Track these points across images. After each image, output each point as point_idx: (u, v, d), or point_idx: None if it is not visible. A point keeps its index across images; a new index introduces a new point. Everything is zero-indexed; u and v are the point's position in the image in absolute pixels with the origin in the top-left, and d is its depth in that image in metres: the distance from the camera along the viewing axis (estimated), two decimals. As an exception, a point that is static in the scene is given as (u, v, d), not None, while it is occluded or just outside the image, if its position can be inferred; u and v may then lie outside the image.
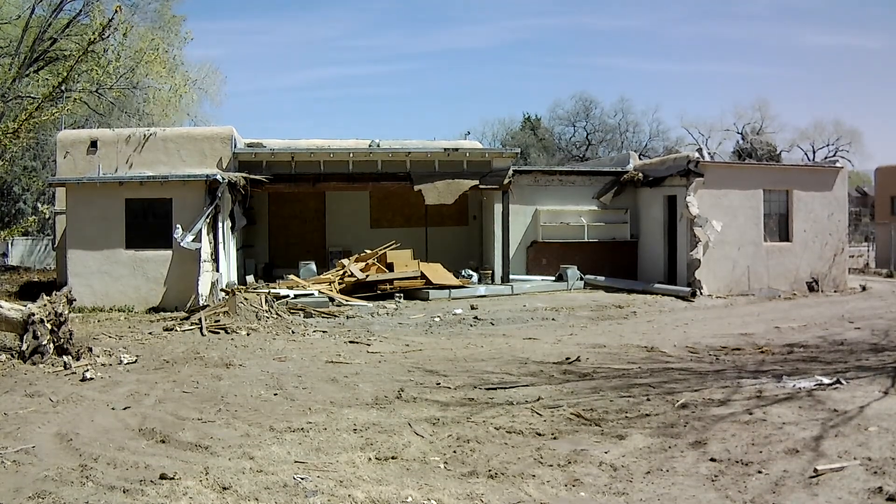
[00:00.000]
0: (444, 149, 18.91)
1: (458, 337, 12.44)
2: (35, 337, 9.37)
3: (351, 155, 18.03)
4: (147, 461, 5.63)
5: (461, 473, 5.48)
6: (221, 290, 14.74)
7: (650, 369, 9.34)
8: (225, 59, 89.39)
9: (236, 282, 16.85)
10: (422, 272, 17.07)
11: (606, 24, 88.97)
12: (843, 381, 8.25)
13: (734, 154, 52.43)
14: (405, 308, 15.43)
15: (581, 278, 18.75)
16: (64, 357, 9.34)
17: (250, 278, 17.95)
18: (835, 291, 19.15)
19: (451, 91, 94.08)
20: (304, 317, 14.00)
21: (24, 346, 9.39)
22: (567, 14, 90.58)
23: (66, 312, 9.85)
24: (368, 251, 17.64)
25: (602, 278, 18.94)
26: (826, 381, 8.30)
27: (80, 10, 22.88)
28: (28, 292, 17.35)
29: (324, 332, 12.74)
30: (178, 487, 5.07)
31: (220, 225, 15.86)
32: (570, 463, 5.68)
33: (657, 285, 18.24)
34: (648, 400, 7.63)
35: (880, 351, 10.68)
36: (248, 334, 12.23)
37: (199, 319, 12.81)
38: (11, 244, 26.66)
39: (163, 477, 5.22)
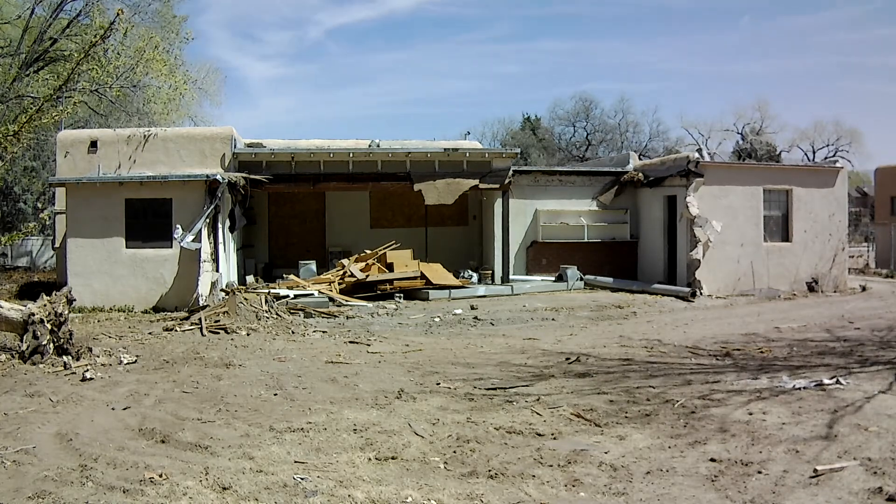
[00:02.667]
0: (444, 149, 18.92)
1: (458, 337, 12.44)
2: (35, 337, 9.37)
3: (351, 155, 18.03)
4: (147, 461, 5.63)
5: (461, 473, 5.48)
6: (221, 290, 14.73)
7: (650, 369, 9.34)
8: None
9: (236, 282, 16.85)
10: (422, 272, 17.07)
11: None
12: (843, 382, 8.26)
13: (734, 154, 52.46)
14: (405, 308, 15.43)
15: (581, 278, 18.75)
16: (64, 357, 9.35)
17: (250, 278, 17.95)
18: (835, 292, 19.15)
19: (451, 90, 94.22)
20: (304, 317, 14.01)
21: (24, 346, 9.39)
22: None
23: (66, 312, 9.85)
24: (368, 251, 17.65)
25: (602, 278, 18.94)
26: (826, 381, 8.30)
27: (81, 11, 22.87)
28: (28, 292, 17.35)
29: (324, 332, 12.74)
30: (177, 487, 5.07)
31: (219, 225, 15.87)
32: (569, 463, 5.68)
33: (657, 285, 18.24)
34: (648, 400, 7.63)
35: (880, 351, 10.68)
36: (248, 334, 12.24)
37: (199, 319, 12.81)
38: (11, 246, 26.65)
39: (151, 480, 5.22)
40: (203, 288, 14.74)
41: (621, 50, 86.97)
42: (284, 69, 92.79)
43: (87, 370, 8.85)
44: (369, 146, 19.32)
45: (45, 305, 9.66)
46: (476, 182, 18.53)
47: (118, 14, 13.23)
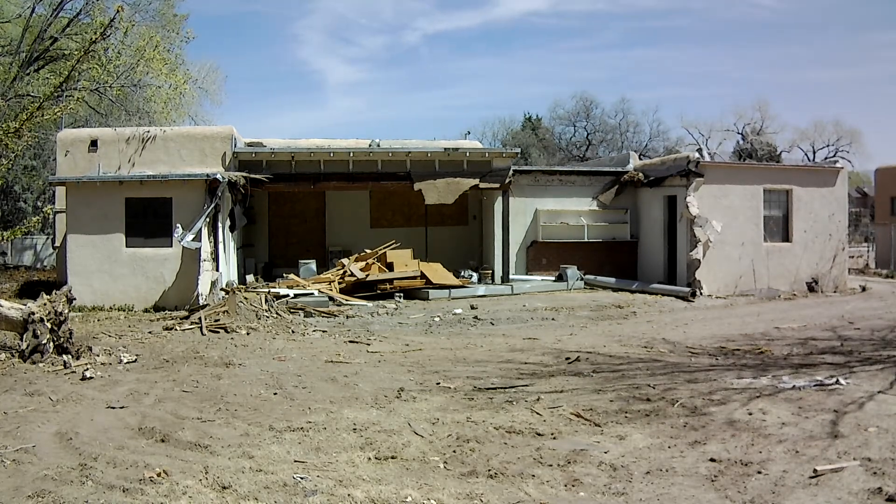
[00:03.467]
0: (445, 148, 18.92)
1: (457, 337, 12.44)
2: (35, 336, 9.37)
3: (351, 155, 18.03)
4: (147, 460, 5.63)
5: (461, 473, 5.48)
6: (221, 289, 14.73)
7: (650, 369, 9.34)
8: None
9: (236, 281, 16.85)
10: (422, 272, 17.07)
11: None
12: (843, 382, 8.26)
13: (734, 154, 52.44)
14: (405, 308, 15.43)
15: (581, 278, 18.75)
16: (64, 356, 9.34)
17: (250, 278, 17.95)
18: (835, 292, 19.15)
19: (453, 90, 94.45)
20: (303, 316, 14.00)
21: (24, 346, 9.39)
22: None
23: (66, 311, 9.85)
24: (368, 251, 17.65)
25: (602, 278, 18.94)
26: (826, 381, 8.30)
27: (81, 10, 22.87)
28: (28, 291, 17.35)
29: (323, 331, 12.74)
30: (177, 486, 5.07)
31: (220, 224, 15.86)
32: (569, 463, 5.68)
33: (657, 285, 18.25)
34: (648, 400, 7.63)
35: (880, 351, 10.68)
36: (247, 334, 12.23)
37: (199, 319, 12.80)
38: (11, 245, 26.65)
39: (151, 479, 5.22)
40: (203, 287, 14.74)
41: (703, 59, 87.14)
42: (367, 73, 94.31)
43: (87, 369, 8.85)
44: (369, 146, 19.32)
45: (45, 304, 9.66)
46: (476, 182, 18.53)
47: (118, 11, 13.25)
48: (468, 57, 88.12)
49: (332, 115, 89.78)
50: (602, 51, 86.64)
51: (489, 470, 5.50)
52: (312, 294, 15.50)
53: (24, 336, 9.44)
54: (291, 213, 20.57)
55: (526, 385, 8.41)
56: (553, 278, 18.91)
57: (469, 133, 31.08)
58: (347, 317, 14.23)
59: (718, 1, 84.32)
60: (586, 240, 19.72)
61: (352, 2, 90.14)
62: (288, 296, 14.95)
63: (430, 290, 16.71)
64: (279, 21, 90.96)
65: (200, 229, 15.26)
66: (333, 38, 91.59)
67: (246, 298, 13.95)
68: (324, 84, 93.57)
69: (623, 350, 10.94)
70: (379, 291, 16.34)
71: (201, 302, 14.19)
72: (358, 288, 16.31)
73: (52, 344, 9.47)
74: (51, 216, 18.82)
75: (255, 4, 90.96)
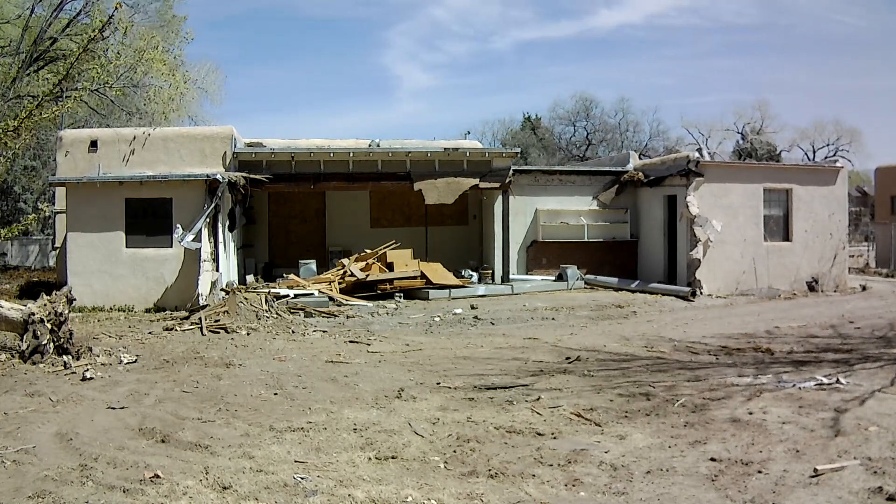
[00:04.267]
0: (444, 148, 18.92)
1: (458, 337, 12.44)
2: (35, 336, 9.37)
3: (351, 155, 18.03)
4: (147, 461, 5.63)
5: (461, 473, 5.48)
6: (221, 289, 14.73)
7: (651, 369, 9.34)
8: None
9: (236, 281, 16.85)
10: (422, 272, 17.07)
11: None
12: (844, 381, 8.26)
13: (734, 154, 52.44)
14: (405, 308, 15.43)
15: (581, 278, 18.75)
16: (64, 357, 9.34)
17: (250, 278, 17.95)
18: (835, 291, 19.15)
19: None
20: (304, 316, 14.00)
21: (25, 346, 9.39)
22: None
23: (66, 312, 9.85)
24: (368, 251, 17.65)
25: (602, 278, 18.94)
26: (826, 380, 8.30)
27: (80, 10, 22.88)
28: (29, 292, 17.35)
29: (324, 331, 12.74)
30: (177, 487, 5.07)
31: (220, 224, 15.87)
32: (570, 463, 5.68)
33: (657, 285, 18.24)
34: (648, 400, 7.63)
35: (880, 350, 10.68)
36: (248, 334, 12.23)
37: (199, 319, 12.80)
38: (11, 245, 26.66)
39: (151, 479, 5.22)
40: (203, 287, 14.74)
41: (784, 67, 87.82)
42: (443, 79, 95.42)
43: (87, 370, 8.85)
44: (369, 146, 19.32)
45: (45, 305, 9.66)
46: (476, 181, 18.53)
47: (116, 7, 13.23)
48: (553, 64, 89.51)
49: (394, 118, 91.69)
50: (683, 59, 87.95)
51: (489, 470, 5.50)
52: (312, 294, 15.50)
53: (25, 337, 9.43)
54: (291, 214, 20.57)
55: (526, 385, 8.41)
56: (553, 278, 18.91)
57: (469, 133, 31.11)
58: (347, 317, 14.23)
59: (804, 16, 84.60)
60: (586, 239, 19.72)
61: (450, 9, 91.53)
62: (288, 296, 14.95)
63: (430, 290, 16.70)
64: (374, 27, 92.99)
65: (200, 229, 15.26)
66: (420, 45, 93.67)
67: (246, 299, 13.95)
68: (396, 88, 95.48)
69: (623, 349, 10.94)
70: (379, 291, 16.34)
71: (201, 302, 14.18)
72: (358, 288, 16.31)
73: (52, 344, 9.47)
74: (48, 214, 18.82)
75: (359, 10, 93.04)
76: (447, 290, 16.93)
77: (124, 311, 15.16)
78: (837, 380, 8.30)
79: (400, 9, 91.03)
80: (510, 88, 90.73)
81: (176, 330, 12.49)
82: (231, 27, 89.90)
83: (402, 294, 16.52)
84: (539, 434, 6.45)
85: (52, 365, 9.19)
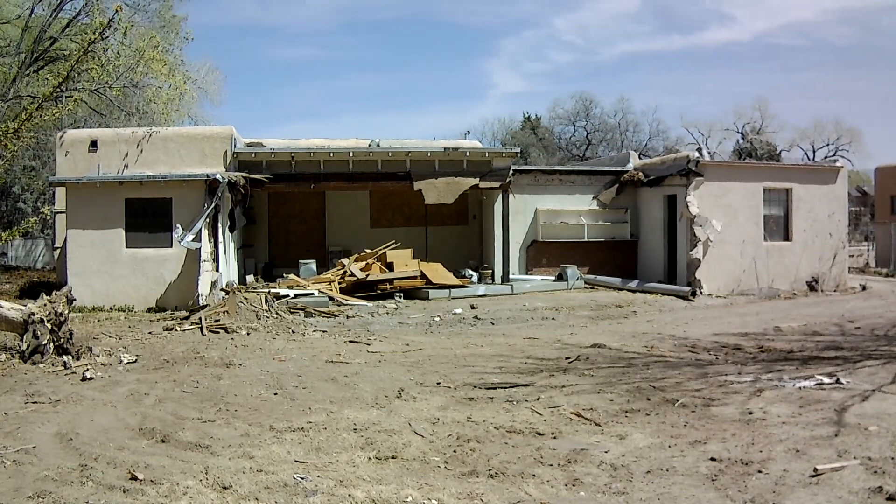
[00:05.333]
0: (444, 148, 18.92)
1: (458, 336, 12.44)
2: (35, 337, 9.37)
3: (351, 155, 18.03)
4: (147, 461, 5.63)
5: (461, 473, 5.48)
6: (221, 289, 14.73)
7: (650, 369, 9.34)
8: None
9: (236, 281, 16.85)
10: (422, 272, 17.07)
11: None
12: (843, 381, 8.26)
13: (734, 153, 52.43)
14: (405, 308, 15.43)
15: (581, 278, 18.75)
16: (64, 357, 9.34)
17: (250, 278, 17.95)
18: (835, 291, 19.15)
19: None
20: (304, 316, 14.00)
21: (25, 346, 9.39)
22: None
23: (66, 312, 9.85)
24: (368, 251, 17.64)
25: (602, 278, 18.94)
26: (826, 380, 8.30)
27: (80, 10, 22.86)
28: (29, 292, 17.35)
29: (324, 331, 12.74)
30: (178, 487, 5.07)
31: (219, 224, 15.86)
32: (570, 462, 5.68)
33: (657, 285, 18.24)
34: (648, 399, 7.63)
35: (881, 350, 10.68)
36: (248, 334, 12.24)
37: (199, 319, 12.80)
38: (11, 245, 26.66)
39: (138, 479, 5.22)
40: (203, 287, 14.74)
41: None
42: (539, 86, 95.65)
43: (87, 370, 8.85)
44: (369, 146, 19.31)
45: (45, 305, 9.66)
46: (476, 181, 18.53)
47: (117, 10, 13.22)
48: (655, 75, 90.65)
49: (469, 120, 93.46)
50: (778, 72, 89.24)
51: (490, 470, 5.50)
52: (312, 294, 15.50)
53: (25, 337, 9.43)
54: (291, 214, 20.56)
55: (526, 384, 8.41)
56: (553, 278, 18.91)
57: (469, 133, 31.09)
58: (347, 317, 14.23)
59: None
60: (586, 239, 19.72)
61: (571, 21, 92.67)
62: (288, 296, 14.94)
63: (430, 290, 16.70)
64: (492, 34, 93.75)
65: (200, 230, 15.25)
66: (529, 54, 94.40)
67: (246, 299, 13.94)
68: (486, 94, 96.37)
69: (623, 349, 10.94)
70: (379, 291, 16.33)
71: (201, 302, 14.19)
72: (358, 288, 16.31)
73: (52, 345, 9.47)
74: (49, 217, 18.81)
75: (486, 18, 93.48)
76: (447, 290, 16.93)
77: (124, 311, 15.16)
78: (838, 379, 8.30)
79: (522, 20, 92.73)
80: (604, 95, 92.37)
81: (176, 330, 12.49)
82: (371, 30, 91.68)
83: (402, 294, 16.51)
84: (539, 434, 6.45)
85: (52, 365, 9.19)
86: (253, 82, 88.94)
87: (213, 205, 15.58)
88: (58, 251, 18.22)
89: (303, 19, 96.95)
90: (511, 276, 18.86)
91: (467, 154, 18.67)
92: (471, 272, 18.80)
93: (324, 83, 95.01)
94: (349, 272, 16.64)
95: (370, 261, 17.21)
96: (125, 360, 9.69)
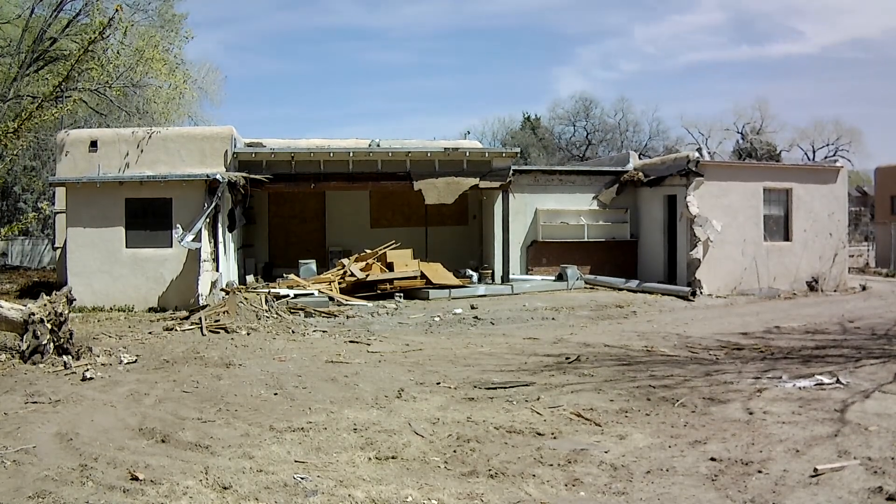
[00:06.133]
0: (444, 148, 18.91)
1: (458, 336, 12.44)
2: (35, 337, 9.37)
3: (351, 155, 18.02)
4: (147, 461, 5.63)
5: (461, 473, 5.48)
6: (221, 289, 14.73)
7: (650, 369, 9.34)
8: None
9: (236, 281, 16.85)
10: (422, 272, 17.07)
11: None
12: (843, 381, 8.26)
13: (734, 153, 52.43)
14: (405, 308, 15.42)
15: (581, 278, 18.75)
16: (64, 357, 9.34)
17: (250, 278, 17.95)
18: (835, 291, 19.15)
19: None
20: (304, 316, 14.00)
21: (25, 346, 9.39)
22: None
23: (67, 312, 9.85)
24: (368, 251, 17.64)
25: (602, 278, 18.94)
26: (826, 380, 8.30)
27: (80, 10, 22.86)
28: (29, 292, 17.35)
29: (324, 331, 12.74)
30: (178, 487, 5.08)
31: (219, 224, 15.86)
32: (570, 462, 5.68)
33: (657, 285, 18.23)
34: (648, 399, 7.63)
35: (881, 350, 10.68)
36: (248, 334, 12.24)
37: (199, 319, 12.80)
38: (11, 245, 26.66)
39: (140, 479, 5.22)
40: (203, 287, 14.74)
41: None
42: (596, 92, 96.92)
43: (88, 370, 8.85)
44: (369, 146, 19.31)
45: (45, 305, 9.66)
46: (476, 181, 18.52)
47: (117, 10, 13.23)
48: (716, 83, 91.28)
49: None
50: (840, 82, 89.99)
51: (490, 470, 5.50)
52: (312, 294, 15.50)
53: (25, 337, 9.43)
54: (291, 214, 20.56)
55: (526, 384, 8.42)
56: (553, 278, 18.91)
57: (469, 133, 31.09)
58: (347, 317, 14.23)
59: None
60: (586, 239, 19.72)
61: (650, 31, 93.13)
62: (288, 296, 14.94)
63: (430, 290, 16.70)
64: (572, 42, 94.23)
65: (200, 230, 15.25)
66: (600, 62, 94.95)
67: (246, 299, 13.95)
68: (541, 100, 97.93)
69: (623, 349, 10.95)
70: (379, 291, 16.33)
71: (201, 302, 14.19)
72: (358, 288, 16.31)
73: (52, 345, 9.47)
74: (48, 213, 18.80)
75: (572, 25, 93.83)
76: (447, 290, 16.93)
77: (124, 311, 15.16)
78: (838, 379, 8.30)
79: (603, 30, 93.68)
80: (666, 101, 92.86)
81: (176, 330, 12.49)
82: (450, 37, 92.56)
83: (402, 294, 16.51)
84: (539, 434, 6.45)
85: (52, 365, 9.19)
86: (339, 83, 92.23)
87: (213, 205, 15.58)
88: (58, 251, 18.21)
89: (396, 25, 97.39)
90: (511, 276, 18.86)
91: (467, 154, 18.67)
92: (471, 272, 18.79)
93: (394, 84, 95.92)
94: (349, 272, 16.64)
95: (370, 261, 17.20)
96: (125, 360, 9.69)
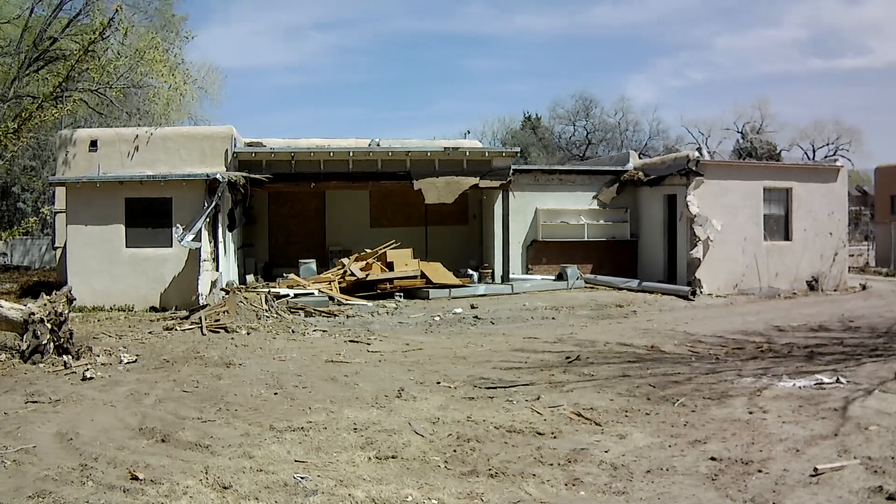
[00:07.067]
0: (444, 148, 18.91)
1: (458, 336, 12.44)
2: (35, 336, 9.37)
3: (351, 154, 18.02)
4: (147, 461, 5.63)
5: (461, 472, 5.48)
6: (221, 289, 14.73)
7: (650, 368, 9.34)
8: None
9: (236, 281, 16.85)
10: (422, 271, 17.07)
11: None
12: (843, 380, 8.26)
13: (734, 153, 52.39)
14: (405, 307, 15.43)
15: (581, 277, 18.75)
16: (64, 356, 9.35)
17: (250, 277, 17.95)
18: (835, 290, 19.14)
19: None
20: (304, 316, 14.00)
21: (25, 346, 9.39)
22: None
23: (67, 312, 9.85)
24: (368, 250, 17.64)
25: (602, 277, 18.93)
26: (826, 379, 8.30)
27: (80, 10, 22.82)
28: (29, 292, 17.35)
29: (324, 331, 12.74)
30: (178, 487, 5.08)
31: (219, 224, 15.86)
32: (570, 462, 5.68)
33: (657, 284, 18.23)
34: (648, 399, 7.63)
35: (881, 350, 10.68)
36: (248, 334, 12.23)
37: (199, 319, 12.81)
38: (12, 245, 26.66)
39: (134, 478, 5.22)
40: (203, 287, 14.75)
41: None
42: (658, 99, 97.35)
43: (88, 369, 8.85)
44: (369, 145, 19.30)
45: (45, 305, 9.66)
46: (476, 181, 18.52)
47: (117, 10, 13.21)
48: (783, 93, 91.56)
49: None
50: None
51: (490, 469, 5.50)
52: (312, 294, 15.50)
53: (25, 336, 9.44)
54: (291, 213, 20.55)
55: (526, 384, 8.42)
56: (553, 277, 18.91)
57: (469, 132, 31.00)
58: (348, 316, 14.23)
59: None
60: (586, 239, 19.71)
61: (730, 44, 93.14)
62: (288, 296, 14.94)
63: (430, 290, 16.70)
64: (647, 52, 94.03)
65: (200, 229, 15.25)
66: (673, 71, 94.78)
67: (246, 298, 13.94)
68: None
69: (623, 349, 10.95)
70: (379, 291, 16.33)
71: (201, 302, 14.19)
72: (358, 288, 16.30)
73: (52, 344, 9.47)
74: (49, 217, 18.81)
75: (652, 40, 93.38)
76: (447, 290, 16.93)
77: (124, 310, 15.16)
78: (838, 379, 8.30)
79: (683, 43, 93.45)
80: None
81: (176, 330, 12.49)
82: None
83: (402, 294, 16.51)
84: (539, 433, 6.45)
85: (52, 365, 9.20)
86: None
87: (213, 204, 15.58)
88: (58, 251, 18.22)
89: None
90: (511, 276, 18.85)
91: (467, 154, 18.66)
92: (471, 272, 18.80)
93: (479, 87, 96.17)
94: (349, 272, 16.64)
95: (370, 260, 17.20)
96: (125, 360, 9.69)
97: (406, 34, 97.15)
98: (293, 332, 12.58)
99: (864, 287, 19.72)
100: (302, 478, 5.27)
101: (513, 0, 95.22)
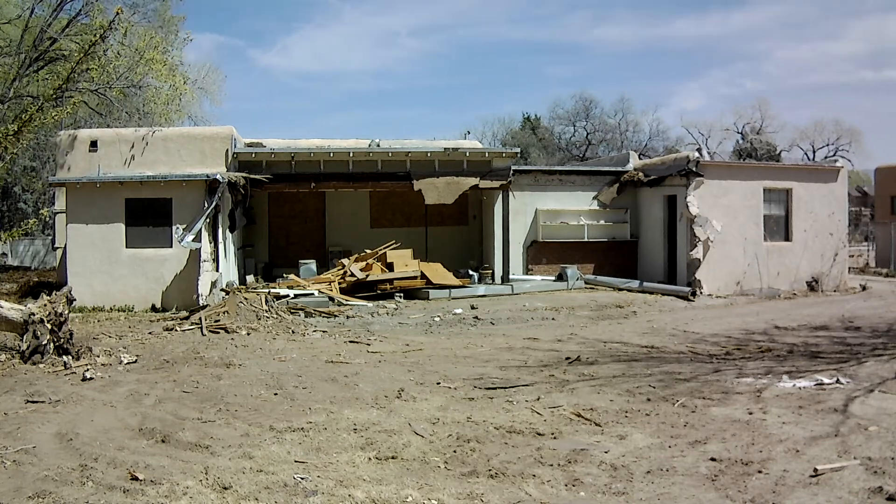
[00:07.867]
0: (444, 148, 18.91)
1: (458, 337, 12.44)
2: (35, 337, 9.37)
3: (351, 155, 18.02)
4: (147, 461, 5.63)
5: (461, 473, 5.48)
6: (221, 289, 14.73)
7: (650, 369, 9.34)
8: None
9: (236, 281, 16.85)
10: (422, 272, 17.07)
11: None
12: (843, 381, 8.26)
13: (734, 153, 52.42)
14: (405, 308, 15.43)
15: (581, 278, 18.75)
16: (64, 357, 9.35)
17: (250, 278, 17.95)
18: (835, 291, 19.14)
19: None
20: (304, 316, 14.00)
21: (25, 346, 9.39)
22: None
23: (67, 312, 9.85)
24: (368, 251, 17.64)
25: (602, 278, 18.94)
26: (826, 380, 8.30)
27: (80, 10, 22.84)
28: (30, 292, 17.34)
29: (324, 331, 12.74)
30: (178, 487, 5.07)
31: (219, 224, 15.86)
32: (570, 462, 5.68)
33: (657, 285, 18.23)
34: (648, 400, 7.63)
35: (880, 350, 10.68)
36: (248, 334, 12.23)
37: (199, 319, 12.80)
38: (12, 245, 26.66)
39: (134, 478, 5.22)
40: (203, 288, 14.75)
41: None
42: (704, 104, 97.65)
43: (88, 370, 8.85)
44: (369, 146, 19.30)
45: (45, 305, 9.66)
46: (476, 181, 18.52)
47: (117, 13, 13.23)
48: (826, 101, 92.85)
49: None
50: None
51: (490, 470, 5.50)
52: (312, 294, 15.50)
53: (25, 337, 9.44)
54: (291, 214, 20.56)
55: (526, 385, 8.42)
56: (553, 278, 18.91)
57: (469, 133, 30.99)
58: (347, 317, 14.23)
59: None
60: (586, 239, 19.72)
61: (788, 56, 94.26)
62: (288, 296, 14.94)
63: (430, 290, 16.70)
64: (704, 63, 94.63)
65: (200, 230, 15.25)
66: (726, 80, 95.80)
67: (246, 299, 13.94)
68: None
69: (623, 350, 10.95)
70: (379, 291, 16.33)
71: (201, 302, 14.19)
72: (358, 288, 16.31)
73: (52, 345, 9.47)
74: (49, 218, 18.81)
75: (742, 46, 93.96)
76: (447, 290, 16.93)
77: (124, 311, 15.16)
78: (838, 379, 8.30)
79: (744, 54, 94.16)
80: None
81: (176, 330, 12.49)
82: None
83: (402, 294, 16.51)
84: (539, 434, 6.45)
85: (52, 365, 9.19)
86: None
87: (213, 205, 15.58)
88: (58, 251, 18.22)
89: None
90: (511, 276, 18.86)
91: (467, 154, 18.67)
92: (471, 272, 18.80)
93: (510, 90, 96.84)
94: (349, 272, 16.64)
95: (370, 261, 17.20)
96: (125, 361, 9.69)
97: (495, 41, 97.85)
98: (293, 332, 12.58)
99: (864, 287, 19.72)
100: (302, 478, 5.27)
101: (609, 8, 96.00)
